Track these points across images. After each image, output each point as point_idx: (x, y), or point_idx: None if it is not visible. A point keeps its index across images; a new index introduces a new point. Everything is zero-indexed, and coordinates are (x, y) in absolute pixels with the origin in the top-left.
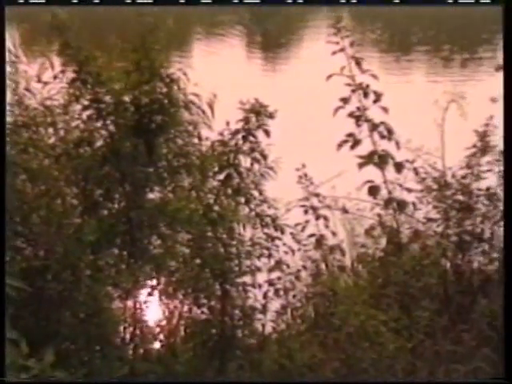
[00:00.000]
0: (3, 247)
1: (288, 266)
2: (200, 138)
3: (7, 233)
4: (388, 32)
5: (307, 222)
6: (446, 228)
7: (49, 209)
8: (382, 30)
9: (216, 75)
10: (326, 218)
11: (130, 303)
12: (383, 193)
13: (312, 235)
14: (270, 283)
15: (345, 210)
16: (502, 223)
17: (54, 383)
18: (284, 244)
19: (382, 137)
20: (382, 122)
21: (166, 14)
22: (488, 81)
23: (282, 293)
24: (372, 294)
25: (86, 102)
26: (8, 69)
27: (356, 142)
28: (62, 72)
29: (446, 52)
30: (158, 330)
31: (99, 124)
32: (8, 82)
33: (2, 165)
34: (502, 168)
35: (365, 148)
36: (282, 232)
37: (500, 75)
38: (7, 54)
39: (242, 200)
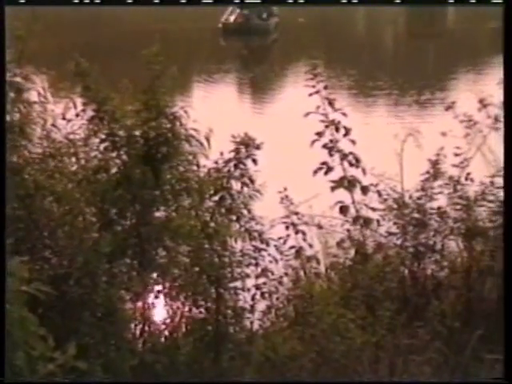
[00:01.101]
0: (3, 248)
1: (272, 273)
2: (198, 166)
3: (38, 246)
4: (356, 77)
5: (288, 236)
6: (404, 241)
7: (72, 225)
8: (351, 76)
9: (212, 113)
10: (303, 233)
11: (139, 304)
12: (352, 211)
13: (292, 247)
14: (257, 287)
15: (320, 226)
16: (451, 236)
17: (54, 383)
18: (269, 254)
19: (351, 165)
20: (351, 153)
21: (171, 62)
22: (439, 118)
23: (267, 295)
24: (342, 296)
25: (102, 136)
26: (38, 108)
27: (329, 169)
28: (83, 111)
29: (404, 94)
30: (163, 326)
31: (114, 154)
32: (37, 119)
33: (3, 167)
34: (451, 190)
35: (336, 174)
36: (267, 244)
37: (448, 114)
38: (37, 95)
39: (234, 218)
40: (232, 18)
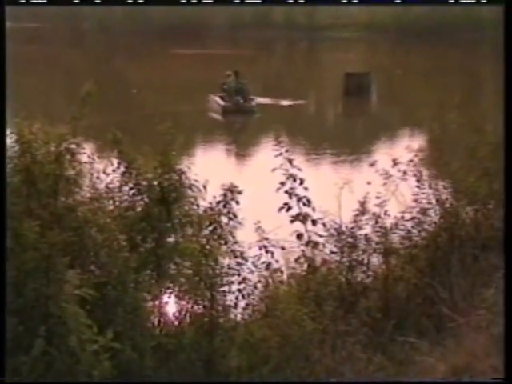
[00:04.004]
0: (3, 250)
1: (250, 280)
2: (198, 206)
3: (86, 262)
4: (308, 143)
5: (261, 254)
6: (342, 257)
7: (110, 248)
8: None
9: (208, 169)
10: (272, 252)
11: (157, 303)
12: (305, 237)
13: (264, 262)
14: (239, 291)
15: (283, 248)
16: (374, 254)
17: (54, 383)
18: (247, 267)
19: (304, 204)
20: (304, 196)
21: (179, 134)
22: (365, 172)
23: (246, 296)
24: (299, 297)
25: (131, 185)
26: (87, 166)
27: (289, 208)
28: (118, 167)
29: (342, 155)
30: (173, 318)
31: (139, 198)
32: (86, 173)
33: (3, 167)
34: (374, 222)
35: (294, 211)
36: (246, 260)
37: (372, 169)
38: (87, 157)
39: (223, 242)
40: (224, 103)
